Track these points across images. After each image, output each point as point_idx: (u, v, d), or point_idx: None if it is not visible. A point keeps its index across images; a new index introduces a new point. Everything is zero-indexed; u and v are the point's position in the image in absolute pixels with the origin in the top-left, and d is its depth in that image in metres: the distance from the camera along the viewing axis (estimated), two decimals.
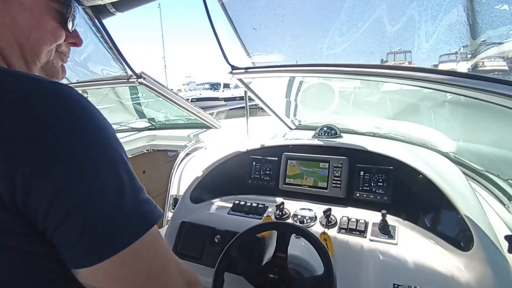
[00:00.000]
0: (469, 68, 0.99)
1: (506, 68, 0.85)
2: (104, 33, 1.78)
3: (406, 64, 1.23)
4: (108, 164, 0.42)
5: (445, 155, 1.52)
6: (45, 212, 0.38)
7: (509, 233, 1.09)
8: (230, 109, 8.80)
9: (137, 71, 2.12)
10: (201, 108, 2.85)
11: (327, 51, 1.53)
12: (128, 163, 0.46)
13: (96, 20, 1.69)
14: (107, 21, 1.76)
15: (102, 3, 1.41)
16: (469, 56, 0.99)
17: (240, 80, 1.85)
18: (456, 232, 1.03)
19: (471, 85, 0.81)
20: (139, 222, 0.43)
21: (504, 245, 0.95)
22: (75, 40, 0.59)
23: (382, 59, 1.51)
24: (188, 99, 2.97)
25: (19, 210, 0.38)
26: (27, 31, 0.49)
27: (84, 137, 0.41)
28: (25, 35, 0.49)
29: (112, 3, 1.45)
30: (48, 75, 0.56)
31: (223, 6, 1.61)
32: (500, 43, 0.92)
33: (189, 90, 25.67)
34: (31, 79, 0.42)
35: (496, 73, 0.90)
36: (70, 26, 0.56)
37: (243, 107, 2.32)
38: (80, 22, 1.86)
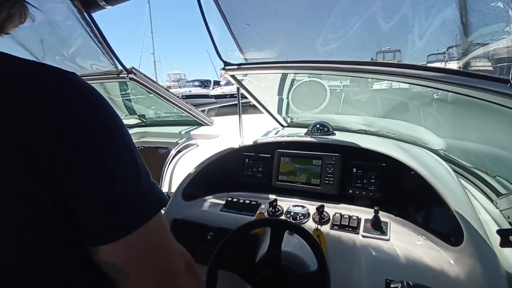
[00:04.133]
0: (460, 66, 1.00)
1: (497, 65, 0.86)
2: (93, 27, 1.74)
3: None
4: (127, 148, 0.45)
5: (435, 152, 1.55)
6: (77, 189, 0.40)
7: (497, 228, 1.12)
8: (221, 107, 8.74)
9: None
10: (193, 106, 2.82)
11: (320, 47, 1.53)
12: (136, 148, 0.48)
13: (85, 13, 1.65)
14: (97, 15, 1.72)
15: None
16: (460, 54, 1.00)
17: (233, 76, 1.84)
18: (447, 228, 1.05)
19: (463, 82, 0.82)
20: (154, 201, 0.46)
21: (494, 240, 0.97)
22: None
23: (372, 58, 1.52)
24: (178, 96, 2.94)
25: (57, 185, 0.39)
26: None
27: (109, 123, 0.44)
28: None
29: None
30: None
31: (216, 1, 1.59)
32: (490, 42, 0.93)
33: (179, 87, 25.43)
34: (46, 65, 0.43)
35: (486, 70, 0.91)
36: None
37: (234, 105, 2.30)
38: (68, 15, 1.82)
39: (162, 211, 1.88)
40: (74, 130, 0.39)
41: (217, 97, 19.30)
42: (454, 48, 1.12)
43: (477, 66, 0.96)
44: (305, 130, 1.74)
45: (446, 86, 0.90)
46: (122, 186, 0.43)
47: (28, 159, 0.37)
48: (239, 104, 2.18)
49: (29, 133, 0.37)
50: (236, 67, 1.73)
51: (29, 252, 0.40)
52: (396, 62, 1.16)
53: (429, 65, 1.02)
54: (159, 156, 3.03)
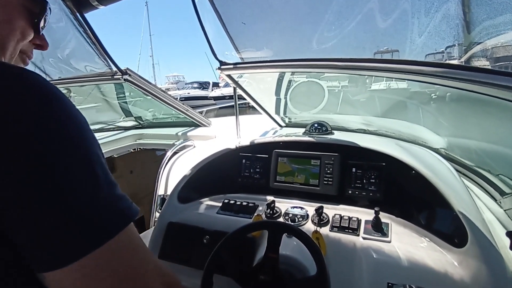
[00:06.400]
0: (462, 62, 0.97)
1: (501, 59, 0.83)
2: (87, 27, 1.71)
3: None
4: (82, 156, 0.39)
5: (436, 151, 1.52)
6: (9, 209, 0.34)
7: (502, 228, 1.08)
8: (220, 108, 8.70)
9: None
10: (191, 107, 2.79)
11: (317, 46, 1.50)
12: (102, 157, 0.43)
13: (77, 14, 1.62)
14: (89, 15, 1.69)
15: None
16: (461, 51, 0.97)
17: (229, 76, 1.81)
18: (450, 229, 1.02)
19: (467, 77, 0.79)
20: (116, 219, 0.40)
21: (499, 241, 0.94)
22: (41, 42, 0.57)
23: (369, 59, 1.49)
24: (177, 98, 2.92)
25: None
26: None
27: (55, 127, 0.38)
28: None
29: None
30: None
31: (211, 0, 1.56)
32: (493, 36, 0.90)
33: (178, 89, 25.42)
34: None
35: (490, 65, 0.88)
36: (40, 26, 0.54)
37: (233, 106, 2.28)
38: (61, 16, 1.79)
39: (157, 215, 1.85)
40: (4, 134, 0.34)
41: (216, 98, 19.27)
42: (454, 47, 1.09)
43: (479, 62, 0.92)
44: (303, 129, 1.71)
45: (449, 82, 0.87)
46: (69, 202, 0.36)
47: None
48: (236, 104, 2.15)
49: None
50: (232, 66, 1.70)
51: None
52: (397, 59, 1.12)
53: (430, 58, 0.99)
54: (156, 158, 3.00)
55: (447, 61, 1.02)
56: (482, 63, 0.94)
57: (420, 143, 1.66)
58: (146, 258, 0.44)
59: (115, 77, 2.01)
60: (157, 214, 1.89)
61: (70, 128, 0.39)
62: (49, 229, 0.35)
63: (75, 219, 0.37)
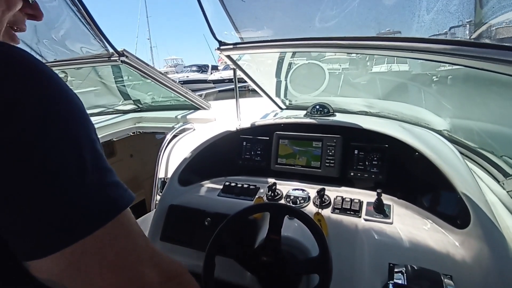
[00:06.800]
0: (472, 39, 0.93)
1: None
2: (80, 7, 1.65)
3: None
4: (68, 139, 0.36)
5: (439, 132, 1.50)
6: None
7: (504, 209, 1.08)
8: (220, 91, 8.63)
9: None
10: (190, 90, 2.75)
11: (319, 24, 1.45)
12: (96, 142, 0.40)
13: None
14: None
15: None
16: (472, 27, 0.93)
17: (229, 57, 1.76)
18: (453, 210, 1.01)
19: (477, 54, 0.76)
20: (104, 207, 0.37)
21: (501, 222, 0.93)
22: (34, 12, 0.51)
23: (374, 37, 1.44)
24: (175, 81, 2.87)
25: None
26: None
27: (40, 106, 0.34)
28: None
29: None
30: None
31: None
32: (505, 11, 0.86)
33: (176, 72, 25.09)
34: None
35: (502, 41, 0.85)
36: None
37: (233, 89, 2.24)
38: None
39: (158, 198, 1.85)
40: None
41: (215, 82, 19.04)
42: (463, 25, 1.04)
43: (490, 39, 0.89)
44: (304, 112, 1.68)
45: (458, 60, 0.84)
46: (51, 189, 0.34)
47: None
48: (236, 87, 2.11)
49: None
50: (231, 47, 1.65)
51: None
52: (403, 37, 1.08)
53: (438, 38, 0.95)
54: (156, 141, 2.98)
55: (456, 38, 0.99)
56: (493, 40, 0.90)
57: (423, 125, 1.63)
58: (141, 247, 0.41)
59: (111, 58, 1.97)
60: (158, 197, 1.90)
61: (59, 108, 0.36)
62: (31, 215, 0.33)
63: (59, 206, 0.34)
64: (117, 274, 0.38)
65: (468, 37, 0.92)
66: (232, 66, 1.92)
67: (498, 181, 1.23)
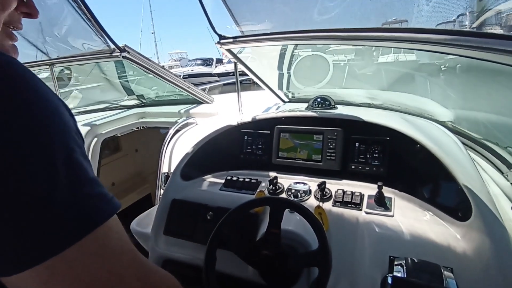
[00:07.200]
0: (473, 29, 0.91)
1: None
2: (80, 3, 1.65)
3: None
4: (39, 147, 0.33)
5: (443, 124, 1.48)
6: None
7: (507, 201, 1.07)
8: (225, 84, 8.59)
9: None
10: (194, 85, 2.75)
11: (319, 16, 1.43)
12: (76, 149, 0.37)
13: None
14: None
15: None
16: (473, 18, 0.91)
17: (229, 50, 1.75)
18: (454, 202, 1.00)
19: (479, 45, 0.74)
20: (76, 223, 0.34)
21: (504, 214, 0.92)
22: (29, 10, 0.49)
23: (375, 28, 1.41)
24: (180, 76, 2.87)
25: None
26: None
27: (5, 114, 0.31)
28: None
29: None
30: None
31: None
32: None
33: (181, 66, 25.06)
34: None
35: (503, 32, 0.83)
36: None
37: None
38: None
39: (162, 193, 1.87)
40: None
41: (220, 75, 18.98)
42: (465, 15, 1.02)
43: (492, 29, 0.87)
44: (306, 105, 1.67)
45: (460, 51, 0.81)
46: (16, 204, 0.31)
47: None
48: (237, 80, 2.11)
49: None
50: (231, 40, 1.64)
51: None
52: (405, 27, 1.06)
53: (441, 28, 0.93)
54: (160, 136, 3.00)
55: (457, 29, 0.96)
56: (495, 30, 0.88)
57: (426, 116, 1.61)
58: (123, 263, 0.38)
59: (113, 54, 1.97)
60: (162, 192, 1.91)
61: (31, 112, 0.33)
62: None
63: (21, 225, 0.31)
64: None
65: (468, 27, 0.89)
66: (233, 60, 1.91)
67: (502, 173, 1.22)
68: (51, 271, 0.33)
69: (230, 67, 18.40)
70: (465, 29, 0.91)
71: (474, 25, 0.89)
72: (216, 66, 21.82)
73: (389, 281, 0.80)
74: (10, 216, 0.31)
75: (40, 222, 0.32)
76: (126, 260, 0.38)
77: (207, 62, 23.05)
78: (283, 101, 2.39)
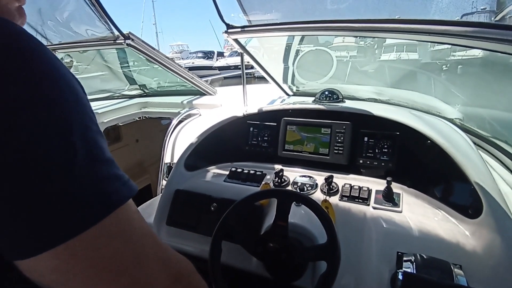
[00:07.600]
0: (495, 21, 0.89)
1: None
2: None
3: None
4: (56, 122, 0.31)
5: (451, 121, 1.46)
6: None
7: None
8: (225, 78, 8.51)
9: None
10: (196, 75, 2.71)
11: (330, 6, 1.40)
12: (92, 127, 0.35)
13: None
14: None
15: None
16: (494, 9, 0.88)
17: (236, 40, 1.72)
18: (465, 200, 0.99)
19: (500, 37, 0.72)
20: (96, 203, 0.33)
21: None
22: None
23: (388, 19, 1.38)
24: (181, 67, 2.83)
25: None
26: None
27: (26, 81, 0.30)
28: None
29: None
30: None
31: None
32: None
33: (182, 58, 24.89)
34: None
35: None
36: None
37: (238, 76, 2.20)
38: None
39: (164, 183, 1.85)
40: None
41: (221, 68, 18.86)
42: (480, 10, 0.99)
43: None
44: (311, 98, 1.65)
45: (480, 43, 0.79)
46: (30, 182, 0.29)
47: None
48: (243, 71, 2.08)
49: None
50: (239, 30, 1.61)
51: None
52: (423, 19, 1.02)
53: (459, 20, 0.90)
54: (162, 127, 2.98)
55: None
56: None
57: (435, 113, 1.59)
58: (145, 245, 0.37)
59: (117, 41, 1.93)
60: (164, 182, 1.89)
61: (47, 86, 0.31)
62: (13, 211, 0.29)
63: (38, 202, 0.30)
64: (115, 279, 0.34)
65: (490, 20, 0.87)
66: (240, 50, 1.87)
67: (511, 171, 1.20)
68: (70, 253, 0.31)
69: (231, 61, 18.31)
70: (483, 21, 0.88)
71: (496, 18, 0.86)
72: (217, 59, 21.69)
73: (400, 276, 0.79)
74: (26, 195, 0.29)
75: (57, 202, 0.30)
76: (147, 241, 0.38)
77: (208, 55, 22.91)
78: (288, 94, 2.36)
